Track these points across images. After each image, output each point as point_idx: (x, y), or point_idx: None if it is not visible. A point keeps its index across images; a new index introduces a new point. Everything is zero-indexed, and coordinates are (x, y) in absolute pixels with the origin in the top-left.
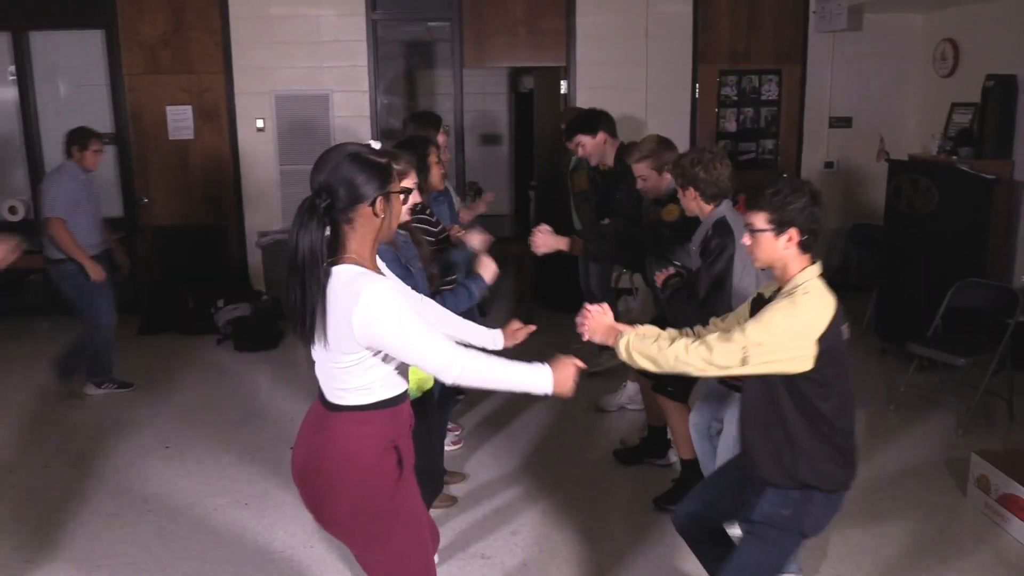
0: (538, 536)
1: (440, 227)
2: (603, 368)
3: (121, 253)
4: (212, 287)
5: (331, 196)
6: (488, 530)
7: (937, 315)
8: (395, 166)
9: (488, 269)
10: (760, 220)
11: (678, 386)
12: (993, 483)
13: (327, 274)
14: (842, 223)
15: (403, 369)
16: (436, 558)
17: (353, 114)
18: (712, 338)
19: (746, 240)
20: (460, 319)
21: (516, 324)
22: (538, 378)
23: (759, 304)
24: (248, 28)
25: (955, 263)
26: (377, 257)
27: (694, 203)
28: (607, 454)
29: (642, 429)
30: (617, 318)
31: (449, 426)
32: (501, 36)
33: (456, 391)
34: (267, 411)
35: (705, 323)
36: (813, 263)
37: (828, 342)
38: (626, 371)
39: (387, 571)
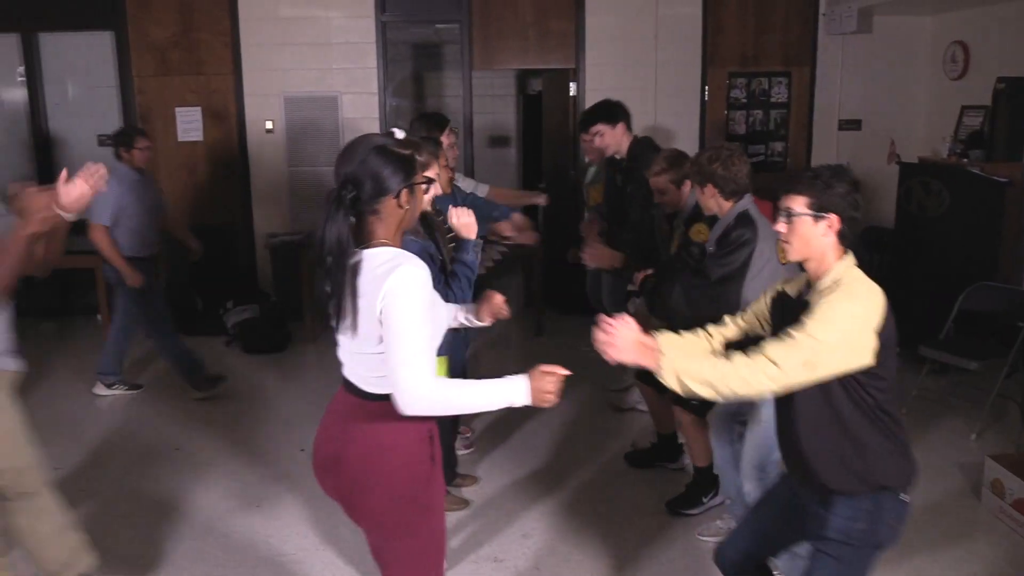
0: (550, 539)
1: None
2: (630, 407)
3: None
4: (221, 288)
5: (357, 188)
6: (500, 533)
7: (949, 318)
8: (418, 157)
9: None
10: (799, 204)
11: (705, 401)
12: (1008, 487)
13: (358, 258)
14: None
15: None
16: (444, 563)
17: (362, 116)
18: (772, 351)
19: (780, 227)
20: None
21: (498, 298)
22: (512, 393)
23: (785, 303)
24: (257, 30)
25: (967, 266)
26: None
27: (712, 200)
28: (618, 457)
29: (653, 433)
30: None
31: (460, 429)
32: (510, 38)
33: None
34: (276, 413)
35: (711, 312)
36: (845, 254)
37: (886, 332)
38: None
39: (407, 564)
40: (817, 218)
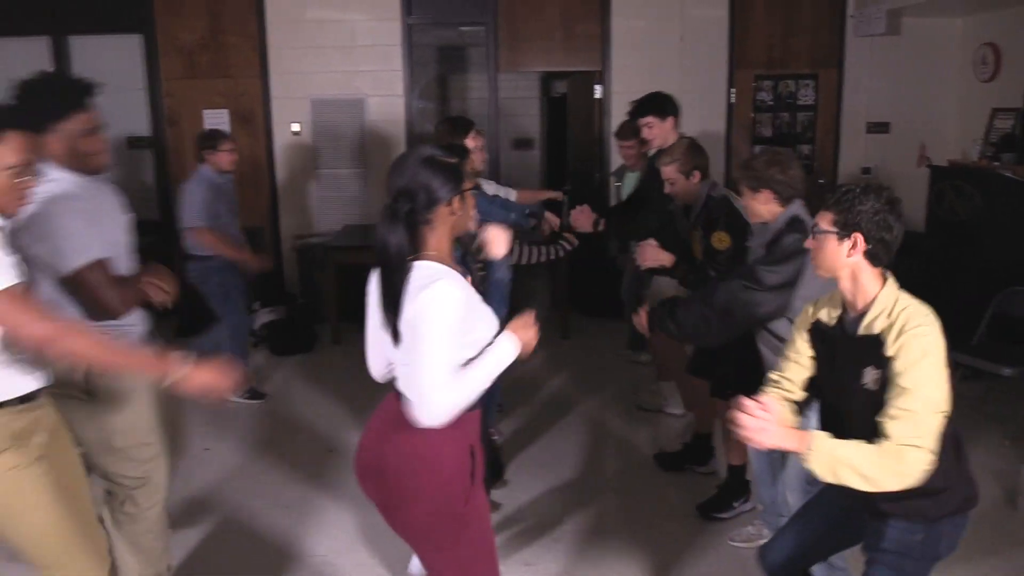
0: (580, 543)
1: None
2: (655, 408)
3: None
4: (247, 289)
5: (411, 200)
6: (530, 537)
7: (982, 323)
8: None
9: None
10: (825, 221)
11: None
12: None
13: (408, 269)
14: None
15: None
16: (498, 570)
17: (388, 119)
18: (906, 436)
19: (810, 243)
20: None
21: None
22: (506, 352)
23: (826, 337)
24: (284, 33)
25: (1000, 270)
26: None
27: (765, 207)
28: (648, 459)
29: (683, 434)
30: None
31: (488, 431)
32: (536, 40)
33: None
34: (303, 414)
35: (744, 322)
36: (885, 279)
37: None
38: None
39: (458, 574)
40: (841, 236)
